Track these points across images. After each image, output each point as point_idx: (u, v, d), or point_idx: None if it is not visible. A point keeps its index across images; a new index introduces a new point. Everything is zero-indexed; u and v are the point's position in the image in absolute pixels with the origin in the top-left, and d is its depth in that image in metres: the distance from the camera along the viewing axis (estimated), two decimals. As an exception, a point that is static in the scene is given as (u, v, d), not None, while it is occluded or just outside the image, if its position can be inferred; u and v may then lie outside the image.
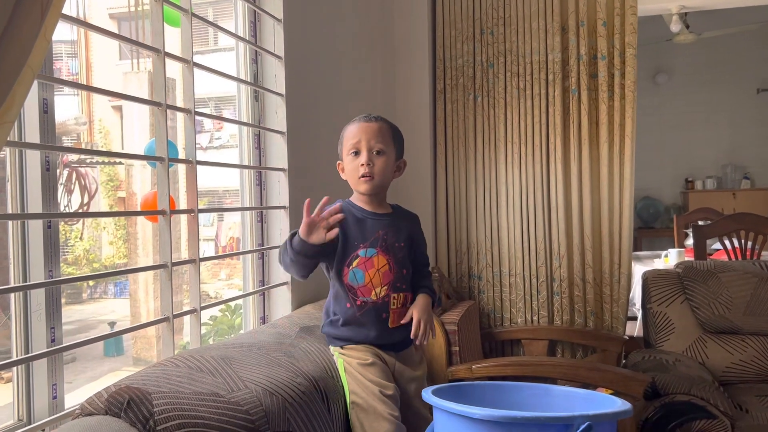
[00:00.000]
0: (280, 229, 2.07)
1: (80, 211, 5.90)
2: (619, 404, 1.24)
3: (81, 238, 7.42)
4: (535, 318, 2.92)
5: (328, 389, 1.46)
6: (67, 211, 5.58)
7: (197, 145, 1.70)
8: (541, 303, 2.90)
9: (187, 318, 1.66)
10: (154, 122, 1.55)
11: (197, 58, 1.69)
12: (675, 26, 4.84)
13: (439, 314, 2.43)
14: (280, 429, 1.23)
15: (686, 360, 2.44)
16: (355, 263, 1.58)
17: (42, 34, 0.91)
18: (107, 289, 8.04)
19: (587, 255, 2.87)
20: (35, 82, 1.26)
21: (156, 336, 5.51)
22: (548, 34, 2.89)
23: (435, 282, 2.61)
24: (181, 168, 1.68)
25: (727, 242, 3.57)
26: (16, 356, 1.26)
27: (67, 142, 6.69)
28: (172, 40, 1.66)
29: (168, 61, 1.58)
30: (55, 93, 1.33)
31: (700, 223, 3.97)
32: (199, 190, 1.68)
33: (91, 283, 7.83)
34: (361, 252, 1.58)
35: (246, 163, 2.06)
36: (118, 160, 7.27)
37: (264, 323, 2.03)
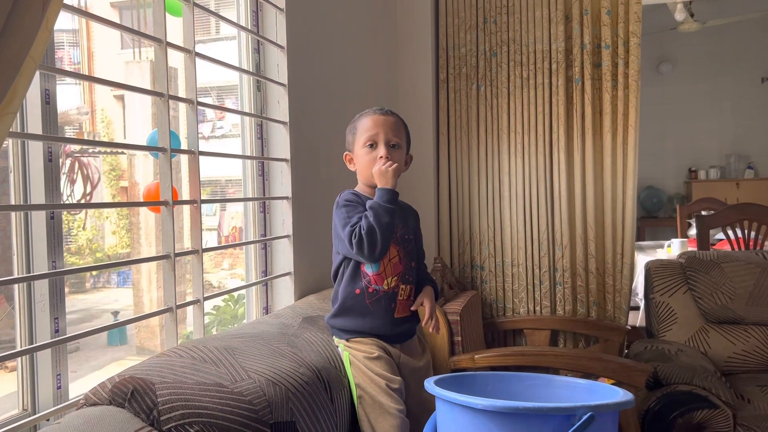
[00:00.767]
0: (282, 219, 2.07)
1: (83, 201, 5.91)
2: (621, 395, 1.24)
3: (84, 228, 7.43)
4: (537, 308, 2.93)
5: (331, 379, 1.46)
6: (70, 201, 5.58)
7: (199, 135, 1.70)
8: (544, 293, 2.91)
9: (190, 308, 1.67)
10: (156, 112, 1.55)
11: (199, 48, 1.68)
12: (679, 15, 4.81)
13: (441, 304, 2.43)
14: (283, 419, 1.23)
15: (688, 350, 2.45)
16: None
17: (44, 25, 0.91)
18: (110, 279, 8.06)
19: (590, 245, 2.87)
20: (37, 73, 1.26)
21: (159, 326, 5.53)
22: (552, 23, 2.87)
23: (437, 272, 2.62)
24: (184, 158, 1.68)
25: (730, 232, 3.57)
26: (20, 347, 1.27)
27: (69, 131, 6.68)
28: (174, 29, 1.65)
29: (170, 50, 1.58)
30: (57, 83, 1.32)
31: (704, 213, 3.96)
32: (201, 179, 1.68)
33: (94, 273, 7.85)
34: None
35: (248, 153, 2.06)
36: (120, 149, 7.26)
37: (267, 313, 2.04)
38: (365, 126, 1.60)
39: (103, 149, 6.79)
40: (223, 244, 6.23)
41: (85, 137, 7.48)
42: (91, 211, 7.44)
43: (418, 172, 2.98)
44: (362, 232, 1.49)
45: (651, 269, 2.74)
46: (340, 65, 2.44)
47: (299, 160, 2.09)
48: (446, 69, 3.03)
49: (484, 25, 2.98)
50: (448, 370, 2.19)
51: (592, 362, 2.07)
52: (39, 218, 1.29)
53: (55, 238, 1.31)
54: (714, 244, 3.87)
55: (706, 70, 6.86)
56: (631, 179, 2.82)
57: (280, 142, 2.06)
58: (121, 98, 7.70)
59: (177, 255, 1.56)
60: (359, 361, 1.56)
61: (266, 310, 2.07)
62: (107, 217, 7.65)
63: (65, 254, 1.35)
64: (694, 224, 3.90)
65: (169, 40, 1.56)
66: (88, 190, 6.20)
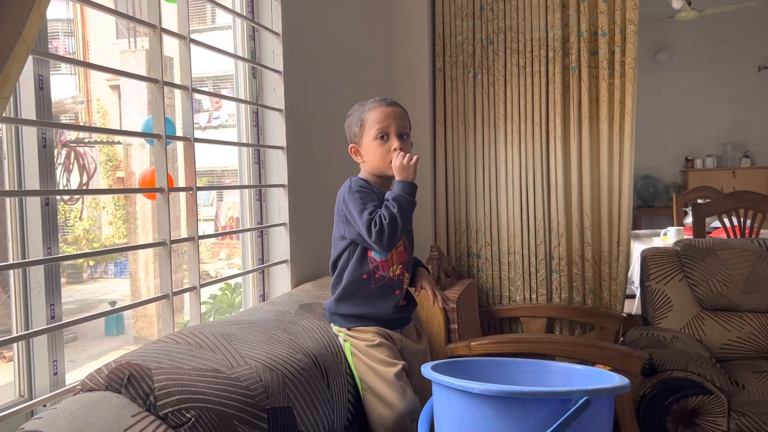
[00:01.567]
0: (279, 207, 2.07)
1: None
2: (618, 380, 1.25)
3: (80, 218, 7.41)
4: (533, 296, 2.93)
5: (327, 365, 1.47)
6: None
7: (196, 125, 1.69)
8: (540, 281, 2.91)
9: (187, 298, 1.67)
10: (152, 100, 1.54)
11: (194, 37, 1.67)
12: (677, 3, 4.79)
13: (438, 292, 2.44)
14: (279, 404, 1.23)
15: (684, 337, 2.46)
16: None
17: (36, 7, 0.90)
18: (107, 269, 8.06)
19: (586, 233, 2.87)
20: (30, 58, 1.25)
21: (156, 315, 5.53)
22: (548, 10, 2.86)
23: (434, 260, 2.62)
24: (180, 148, 1.68)
25: (726, 220, 3.57)
26: (17, 333, 1.27)
27: (64, 121, 6.65)
28: (169, 17, 1.64)
29: (165, 39, 1.57)
30: (53, 72, 1.32)
31: (700, 201, 3.97)
32: (198, 170, 1.67)
33: (91, 262, 7.84)
34: None
35: (244, 141, 2.05)
36: (116, 140, 7.23)
37: (264, 301, 2.04)
38: (375, 118, 1.60)
39: (99, 137, 6.76)
40: (219, 232, 6.22)
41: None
42: (87, 202, 7.41)
43: (415, 161, 2.97)
44: (384, 221, 1.49)
45: (647, 257, 2.75)
46: (337, 52, 2.42)
47: (295, 148, 2.08)
48: (443, 57, 3.02)
49: (481, 13, 2.96)
50: (445, 358, 2.20)
51: (588, 349, 2.08)
52: (34, 205, 1.29)
53: (50, 224, 1.30)
54: (710, 232, 3.88)
55: (703, 59, 6.85)
56: (628, 167, 2.81)
57: (276, 130, 2.05)
58: (116, 88, 7.66)
59: (173, 242, 1.56)
60: (361, 351, 1.58)
61: (263, 297, 2.07)
62: (104, 207, 7.64)
63: (62, 245, 1.34)
64: (690, 212, 3.91)
65: (164, 26, 1.55)
66: (85, 180, 6.17)
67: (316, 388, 1.37)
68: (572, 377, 1.38)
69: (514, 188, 2.93)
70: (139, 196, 6.37)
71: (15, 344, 1.26)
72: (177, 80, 1.67)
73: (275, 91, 2.04)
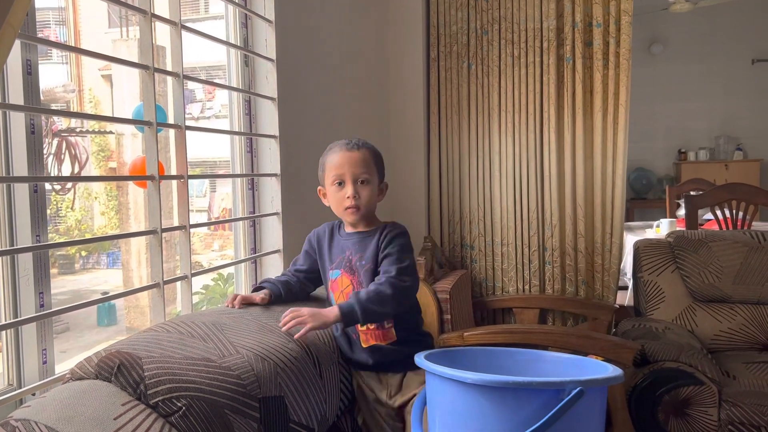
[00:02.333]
0: (271, 196, 2.06)
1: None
2: (611, 370, 1.25)
3: (72, 209, 7.37)
4: (526, 287, 2.94)
5: (320, 354, 1.46)
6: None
7: (188, 115, 1.67)
8: (533, 272, 2.91)
9: (179, 287, 1.66)
10: (143, 87, 1.53)
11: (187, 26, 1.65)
12: (672, -6, 4.78)
13: (431, 283, 2.43)
14: (271, 393, 1.23)
15: (676, 328, 2.46)
16: (329, 285, 1.60)
17: (22, -11, 0.88)
18: (100, 260, 8.03)
19: (579, 224, 2.87)
20: (18, 43, 1.23)
21: (148, 306, 5.51)
22: (543, 0, 2.85)
23: (427, 251, 2.61)
24: (172, 138, 1.66)
25: (718, 212, 3.58)
26: (5, 321, 1.25)
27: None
28: (161, 4, 1.62)
29: (158, 28, 1.55)
30: (44, 61, 1.30)
31: (692, 193, 3.97)
32: (190, 160, 1.66)
33: (83, 253, 7.81)
34: (330, 274, 1.59)
35: (237, 130, 2.03)
36: (108, 129, 7.18)
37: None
38: (332, 163, 1.54)
39: (91, 127, 6.71)
40: (211, 221, 6.20)
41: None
42: (79, 192, 7.37)
43: (409, 152, 2.97)
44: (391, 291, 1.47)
45: (639, 248, 2.75)
46: (330, 41, 2.41)
47: (288, 137, 2.07)
48: (437, 47, 3.01)
49: (476, 3, 2.95)
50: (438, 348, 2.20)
51: (581, 340, 2.08)
52: (22, 192, 1.27)
53: (39, 212, 1.29)
54: (702, 224, 3.89)
55: (698, 52, 6.85)
56: (621, 158, 2.82)
57: (269, 119, 2.04)
58: (108, 78, 7.60)
59: (164, 230, 1.54)
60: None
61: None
62: (96, 198, 7.60)
63: (54, 235, 1.33)
64: (683, 204, 3.91)
65: (155, 12, 1.53)
66: (77, 170, 6.14)
67: (308, 377, 1.37)
68: (565, 367, 1.37)
69: (508, 179, 2.92)
70: (131, 186, 6.34)
71: (3, 332, 1.25)
72: (169, 68, 1.65)
73: (268, 80, 2.02)
